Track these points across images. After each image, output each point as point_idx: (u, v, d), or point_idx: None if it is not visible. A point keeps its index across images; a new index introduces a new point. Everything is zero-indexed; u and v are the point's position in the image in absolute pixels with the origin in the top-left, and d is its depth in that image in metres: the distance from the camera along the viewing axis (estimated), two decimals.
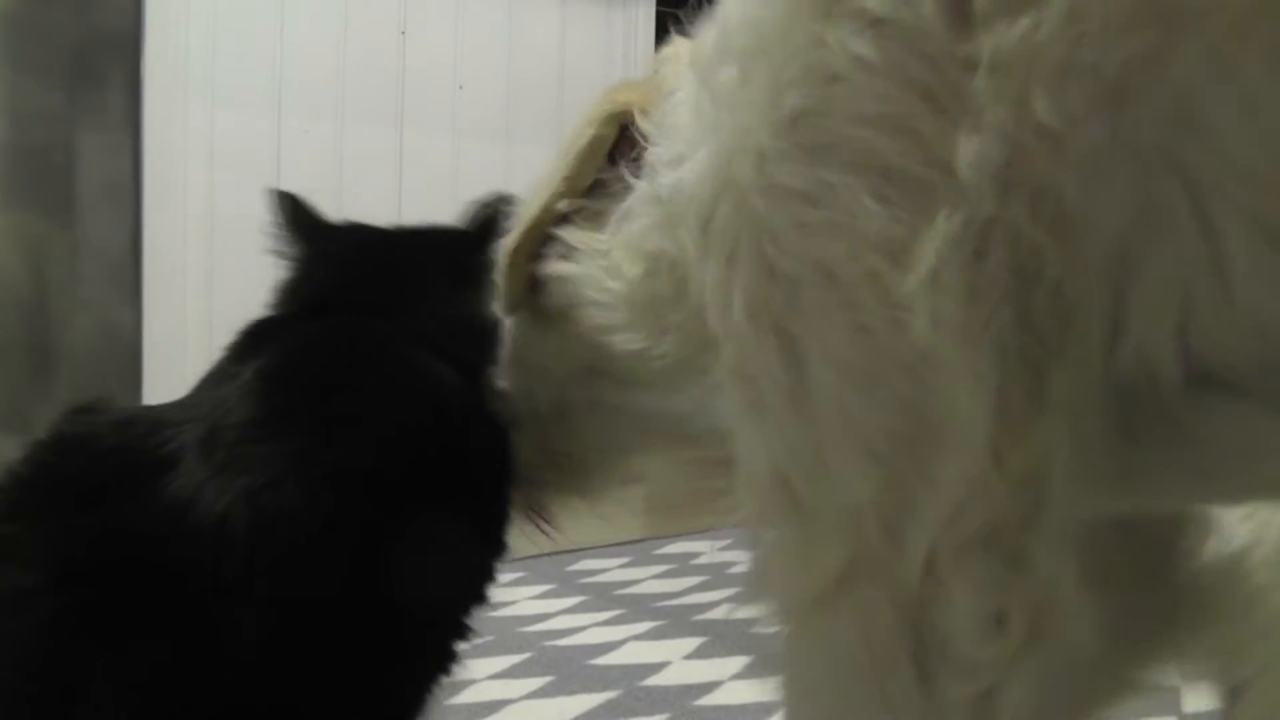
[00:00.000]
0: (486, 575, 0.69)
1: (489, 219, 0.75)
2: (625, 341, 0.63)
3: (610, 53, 2.80)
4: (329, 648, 0.58)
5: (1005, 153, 0.40)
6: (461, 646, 0.67)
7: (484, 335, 0.73)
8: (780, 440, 0.47)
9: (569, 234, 0.66)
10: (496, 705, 1.19)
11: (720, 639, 1.40)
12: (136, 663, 0.54)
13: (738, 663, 1.31)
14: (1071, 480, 0.42)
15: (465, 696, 1.21)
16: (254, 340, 0.67)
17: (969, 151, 0.40)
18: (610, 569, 1.77)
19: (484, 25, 2.59)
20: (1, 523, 0.57)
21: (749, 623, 1.30)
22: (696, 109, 0.55)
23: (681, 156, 0.56)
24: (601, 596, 1.61)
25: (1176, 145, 0.39)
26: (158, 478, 0.57)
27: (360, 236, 0.75)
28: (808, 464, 0.46)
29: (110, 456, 0.59)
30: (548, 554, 1.85)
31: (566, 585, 1.66)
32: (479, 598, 0.68)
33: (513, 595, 1.60)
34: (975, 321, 0.41)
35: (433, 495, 0.63)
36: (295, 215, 0.73)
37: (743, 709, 1.18)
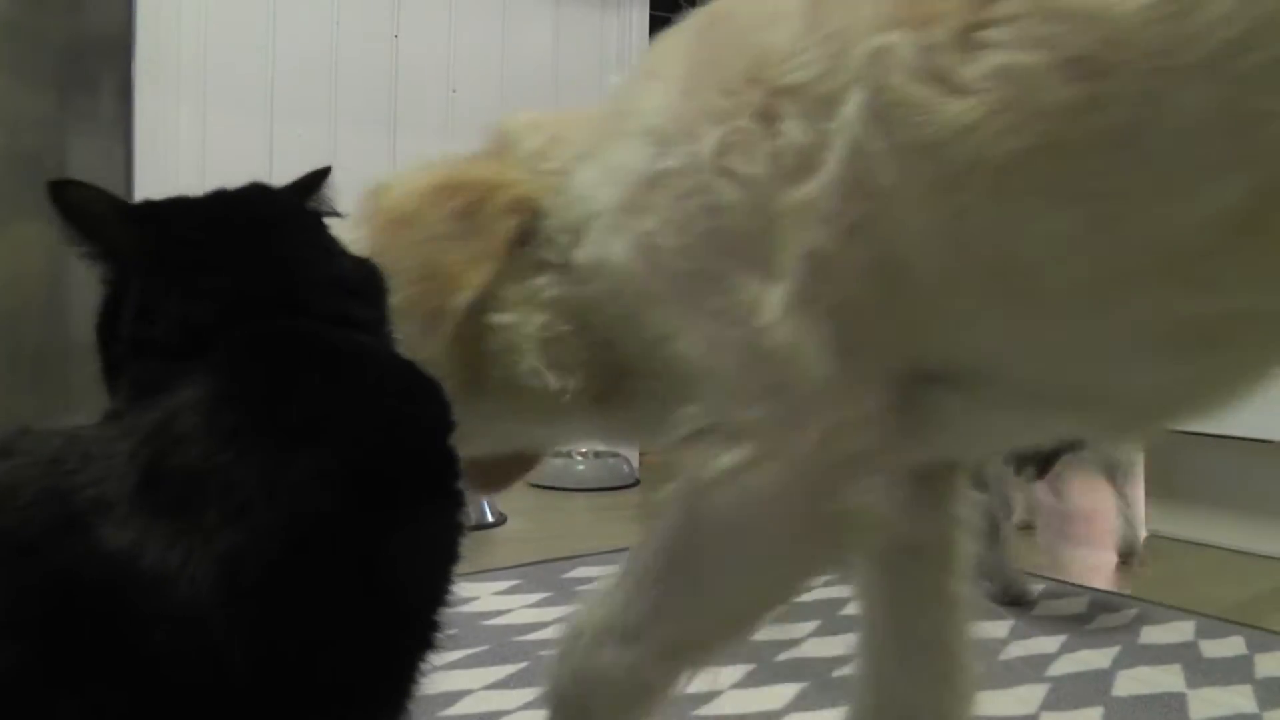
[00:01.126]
0: (456, 558, 0.67)
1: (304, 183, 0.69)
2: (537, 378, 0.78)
3: (603, 56, 2.79)
4: (321, 671, 0.56)
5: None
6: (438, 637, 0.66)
7: (375, 284, 0.69)
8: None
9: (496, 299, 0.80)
10: (493, 716, 1.17)
11: None
12: (92, 712, 0.52)
13: (737, 672, 1.29)
14: (888, 434, 0.66)
15: (462, 706, 1.19)
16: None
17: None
18: (606, 577, 1.75)
19: (476, 29, 2.58)
20: None
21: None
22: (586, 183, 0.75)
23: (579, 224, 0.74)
24: None
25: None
26: (97, 519, 0.55)
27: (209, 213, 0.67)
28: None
29: (41, 501, 0.56)
30: (542, 561, 1.84)
31: (562, 593, 1.64)
32: (450, 582, 0.67)
33: (508, 604, 1.58)
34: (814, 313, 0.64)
35: (410, 485, 0.61)
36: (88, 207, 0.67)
37: (743, 719, 1.17)
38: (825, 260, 0.64)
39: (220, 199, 0.67)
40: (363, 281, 0.67)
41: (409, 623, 0.63)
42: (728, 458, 0.66)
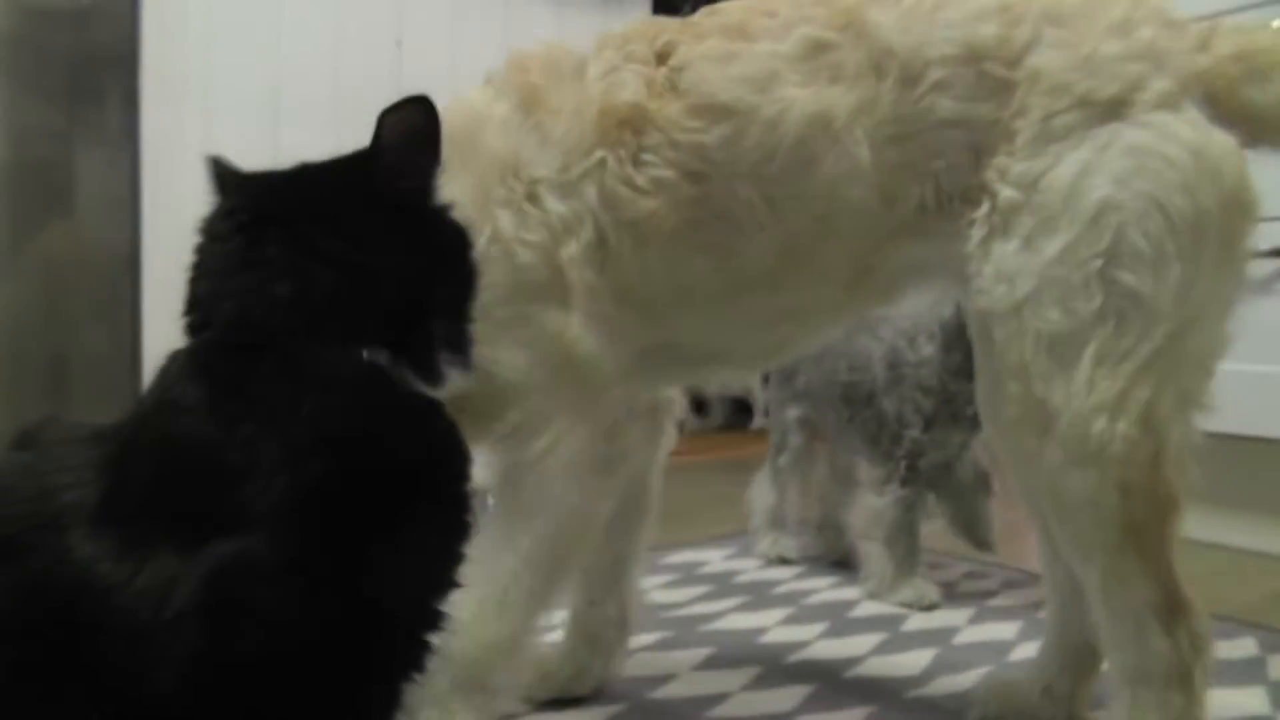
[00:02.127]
0: (458, 561, 0.67)
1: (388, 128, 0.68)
2: None
3: None
4: (309, 673, 0.56)
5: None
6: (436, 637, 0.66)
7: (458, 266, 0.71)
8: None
9: None
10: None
11: (728, 650, 1.38)
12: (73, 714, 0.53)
13: (747, 674, 1.29)
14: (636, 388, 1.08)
15: None
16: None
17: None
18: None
19: (479, 34, 2.58)
20: None
21: (757, 633, 1.28)
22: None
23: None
24: None
25: None
26: (77, 527, 0.56)
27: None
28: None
29: (22, 507, 0.58)
30: None
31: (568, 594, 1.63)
32: (453, 585, 0.67)
33: None
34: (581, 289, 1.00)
35: (401, 497, 0.62)
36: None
37: None
38: (594, 291, 0.99)
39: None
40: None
41: (392, 639, 0.63)
42: (542, 440, 0.99)
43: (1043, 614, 1.57)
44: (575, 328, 0.98)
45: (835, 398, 1.72)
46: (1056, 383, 0.87)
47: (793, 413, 1.84)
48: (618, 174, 0.97)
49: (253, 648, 0.54)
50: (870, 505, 1.65)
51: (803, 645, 1.41)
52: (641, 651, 1.36)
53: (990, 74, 0.90)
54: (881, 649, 1.41)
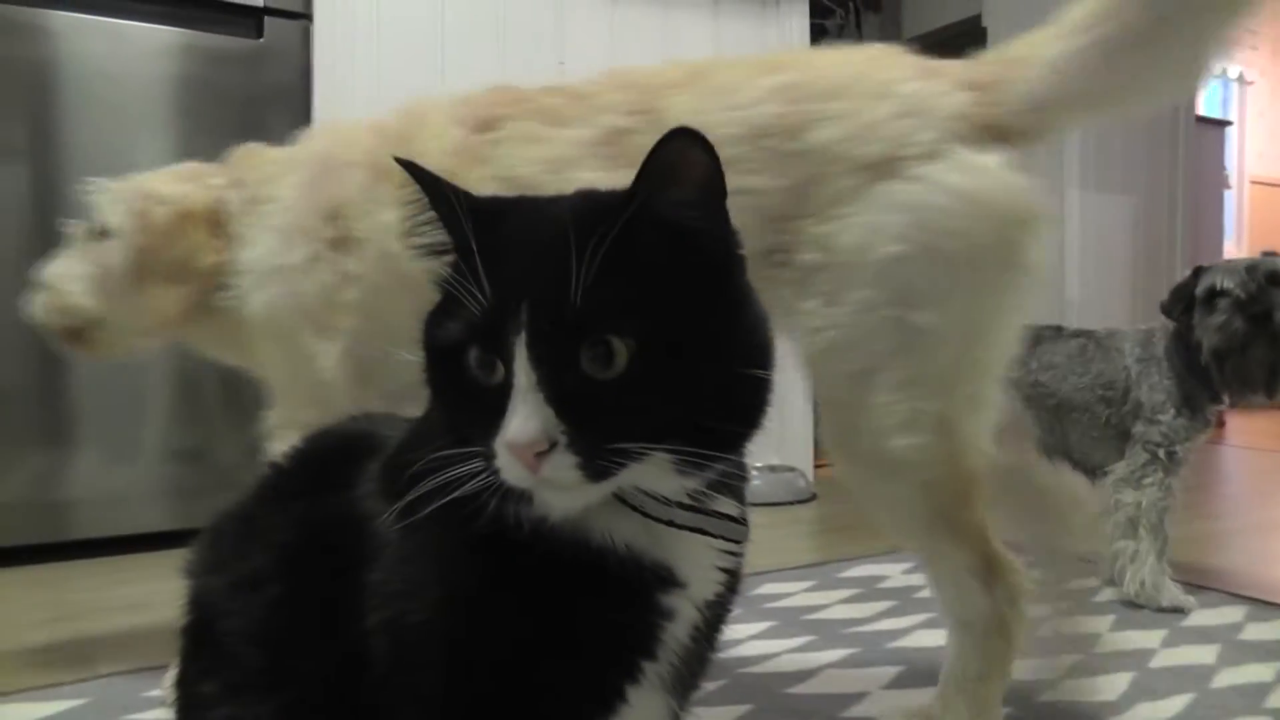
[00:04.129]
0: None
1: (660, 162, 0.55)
2: None
3: None
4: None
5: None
6: None
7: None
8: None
9: None
10: None
11: (916, 667, 1.38)
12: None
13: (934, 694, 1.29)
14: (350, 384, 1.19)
15: None
16: None
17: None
18: (794, 593, 1.76)
19: (638, 49, 2.63)
20: (258, 505, 0.69)
21: (943, 651, 1.25)
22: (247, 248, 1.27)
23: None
24: (790, 622, 1.60)
25: None
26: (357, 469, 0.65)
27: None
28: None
29: (335, 456, 0.68)
30: None
31: (752, 610, 1.66)
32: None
33: None
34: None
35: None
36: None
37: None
38: (357, 330, 1.17)
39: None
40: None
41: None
42: (275, 449, 1.08)
43: (1242, 635, 1.52)
44: (331, 357, 1.19)
45: (1091, 400, 1.80)
46: (860, 411, 0.98)
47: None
48: (400, 232, 1.04)
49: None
50: (1127, 500, 1.73)
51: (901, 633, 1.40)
52: (830, 669, 1.38)
53: (773, 149, 0.99)
54: (1077, 671, 1.38)
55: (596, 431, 0.51)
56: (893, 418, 0.97)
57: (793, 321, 1.01)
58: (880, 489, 1.02)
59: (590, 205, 0.56)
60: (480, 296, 0.53)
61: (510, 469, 0.52)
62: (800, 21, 2.85)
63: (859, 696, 1.29)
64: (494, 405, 0.52)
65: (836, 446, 1.04)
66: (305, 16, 2.25)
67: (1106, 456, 1.80)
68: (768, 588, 1.79)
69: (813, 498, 2.68)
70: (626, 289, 0.52)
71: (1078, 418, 1.80)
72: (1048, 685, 1.32)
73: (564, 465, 0.51)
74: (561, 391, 0.51)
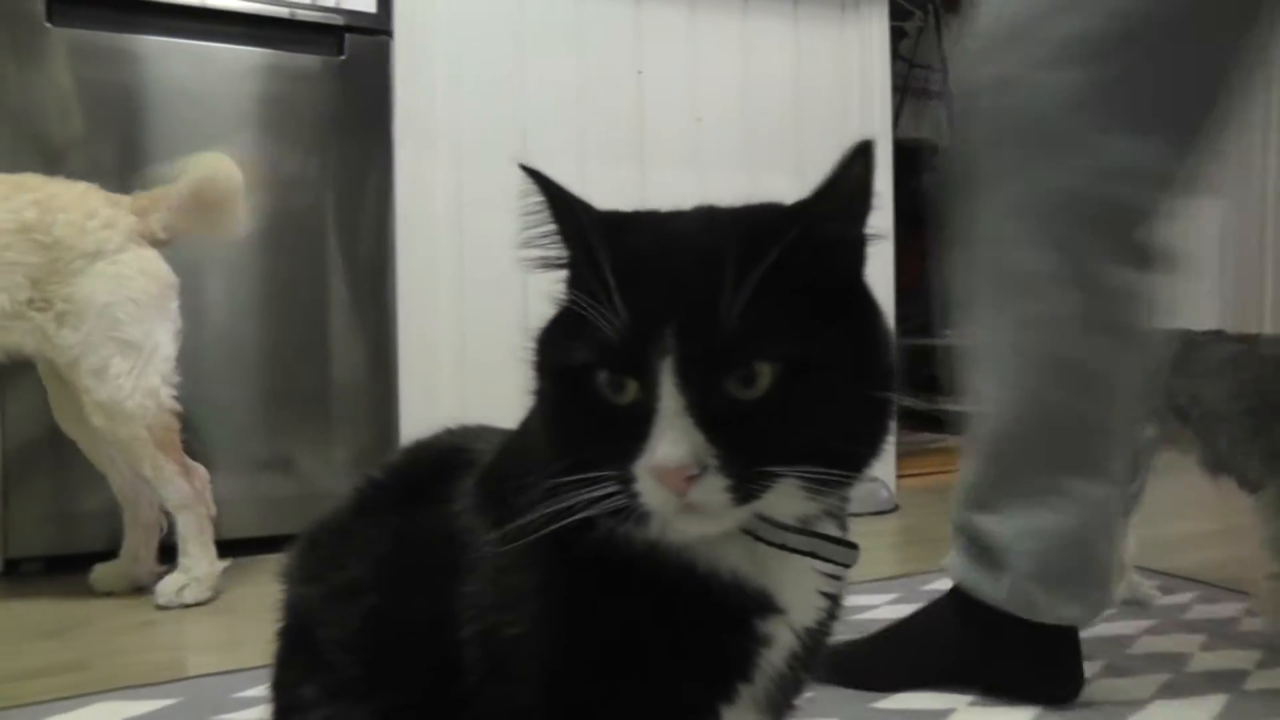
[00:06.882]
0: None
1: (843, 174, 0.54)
2: None
3: (845, 71, 2.77)
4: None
5: None
6: None
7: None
8: None
9: None
10: None
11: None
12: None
13: (1026, 713, 1.25)
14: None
15: None
16: None
17: None
18: (878, 605, 1.73)
19: (717, 58, 2.62)
20: (354, 517, 0.69)
21: None
22: None
23: None
24: None
25: None
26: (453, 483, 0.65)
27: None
28: None
29: (429, 470, 0.68)
30: None
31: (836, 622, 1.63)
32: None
33: None
34: None
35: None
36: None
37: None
38: None
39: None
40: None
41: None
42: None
43: None
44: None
45: (1239, 413, 1.55)
46: (102, 388, 1.74)
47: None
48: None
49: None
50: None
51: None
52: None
53: (34, 240, 1.71)
54: (1164, 691, 1.33)
55: (746, 454, 0.49)
56: (123, 390, 1.74)
57: (50, 347, 1.73)
58: (119, 433, 1.76)
59: (745, 222, 0.54)
60: (614, 316, 0.50)
61: (653, 493, 0.50)
62: (880, 25, 2.81)
63: (944, 713, 1.26)
64: (628, 428, 0.50)
65: (93, 415, 1.76)
66: (385, 33, 2.29)
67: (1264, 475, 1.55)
68: (851, 600, 1.74)
69: (895, 509, 2.64)
70: (777, 310, 0.50)
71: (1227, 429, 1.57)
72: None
73: (715, 489, 0.49)
74: (711, 415, 0.49)
